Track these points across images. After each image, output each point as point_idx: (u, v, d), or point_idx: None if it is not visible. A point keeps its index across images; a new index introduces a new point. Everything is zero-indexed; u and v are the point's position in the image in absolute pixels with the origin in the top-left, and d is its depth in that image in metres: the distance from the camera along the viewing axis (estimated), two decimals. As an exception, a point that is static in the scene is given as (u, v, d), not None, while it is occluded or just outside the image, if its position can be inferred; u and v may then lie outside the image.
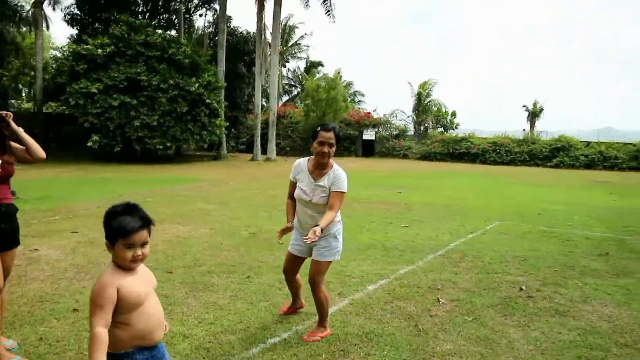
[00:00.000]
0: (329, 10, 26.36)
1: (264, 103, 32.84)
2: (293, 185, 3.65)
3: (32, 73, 31.37)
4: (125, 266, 1.98)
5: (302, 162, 3.65)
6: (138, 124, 21.61)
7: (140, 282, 2.01)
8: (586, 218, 9.50)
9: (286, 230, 3.63)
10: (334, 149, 3.44)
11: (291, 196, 3.69)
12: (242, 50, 30.97)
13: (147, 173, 17.30)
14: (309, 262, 3.65)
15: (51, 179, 14.15)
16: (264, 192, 12.16)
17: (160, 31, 27.67)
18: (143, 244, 2.00)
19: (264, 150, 26.78)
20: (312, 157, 3.56)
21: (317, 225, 3.18)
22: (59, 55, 35.80)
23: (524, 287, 4.86)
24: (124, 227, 1.94)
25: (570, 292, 4.78)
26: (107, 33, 23.89)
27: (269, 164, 23.77)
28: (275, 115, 26.86)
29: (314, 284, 3.55)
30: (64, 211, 8.67)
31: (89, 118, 21.40)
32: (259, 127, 26.49)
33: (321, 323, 3.63)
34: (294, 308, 4.03)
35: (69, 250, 5.87)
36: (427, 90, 36.27)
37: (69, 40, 30.34)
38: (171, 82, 21.95)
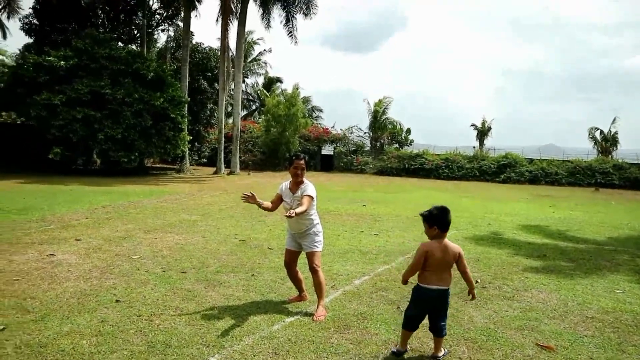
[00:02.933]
0: (291, 32, 27.53)
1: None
2: (277, 196, 4.92)
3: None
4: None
5: (285, 184, 4.93)
6: (102, 136, 21.76)
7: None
8: (529, 227, 10.90)
9: (251, 198, 4.64)
10: (304, 171, 4.79)
11: (273, 200, 4.92)
12: (205, 66, 31.61)
13: (114, 185, 17.63)
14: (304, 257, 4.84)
15: (17, 191, 14.29)
16: (238, 204, 12.91)
17: (122, 45, 27.98)
18: None
19: (227, 164, 27.42)
20: (291, 178, 4.84)
21: (293, 210, 4.37)
22: (6, 61, 35.08)
23: (478, 280, 5.98)
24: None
25: (515, 284, 5.95)
26: (67, 45, 23.97)
27: (233, 178, 24.44)
28: (239, 130, 27.58)
29: (314, 270, 4.71)
30: (55, 221, 9.18)
31: (51, 130, 21.39)
32: (222, 141, 27.12)
33: (320, 302, 4.60)
34: (300, 299, 4.96)
35: (82, 255, 6.53)
36: (382, 108, 37.97)
37: (19, 50, 29.95)
38: (136, 96, 22.29)
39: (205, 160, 33.51)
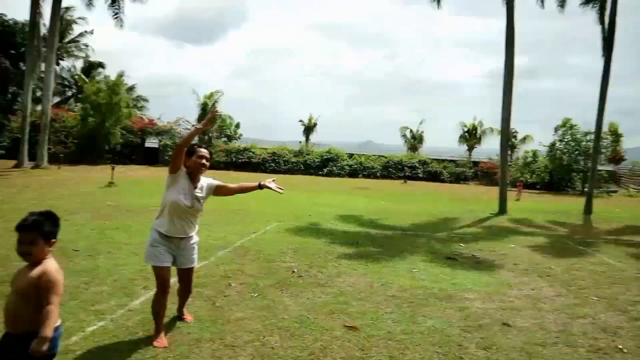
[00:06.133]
0: (117, 14, 25.09)
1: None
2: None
3: None
4: None
5: (182, 182, 4.00)
6: None
7: None
8: (346, 217, 11.72)
9: None
10: (209, 163, 3.99)
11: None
12: (8, 42, 27.33)
13: None
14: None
15: None
16: (41, 202, 11.41)
17: None
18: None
19: (32, 157, 24.08)
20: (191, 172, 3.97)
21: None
22: None
23: (295, 270, 6.22)
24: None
25: (329, 270, 6.32)
26: None
27: (39, 172, 21.53)
28: (50, 118, 24.44)
29: (190, 289, 4.37)
30: None
31: None
32: (27, 130, 23.72)
33: None
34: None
35: None
36: (213, 101, 37.26)
37: None
38: None
39: (3, 152, 28.99)
